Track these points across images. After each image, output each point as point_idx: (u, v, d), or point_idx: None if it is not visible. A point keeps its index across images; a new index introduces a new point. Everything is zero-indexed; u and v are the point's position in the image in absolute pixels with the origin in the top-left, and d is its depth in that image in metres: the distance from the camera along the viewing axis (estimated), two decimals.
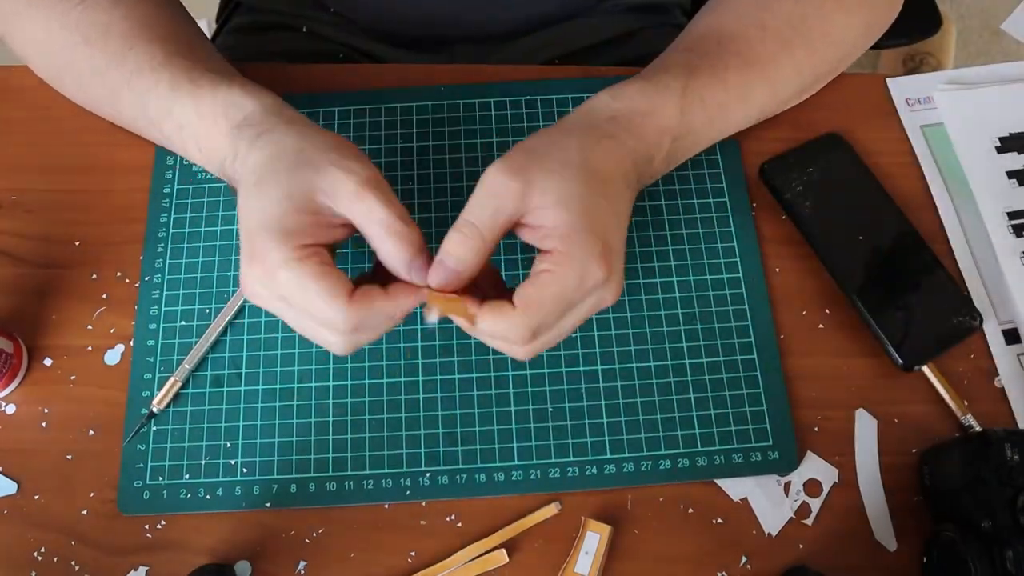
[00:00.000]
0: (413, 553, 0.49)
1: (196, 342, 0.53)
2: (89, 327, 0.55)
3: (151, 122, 0.51)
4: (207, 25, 1.52)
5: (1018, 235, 0.57)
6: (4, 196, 0.58)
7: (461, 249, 0.41)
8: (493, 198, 0.42)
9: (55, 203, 0.58)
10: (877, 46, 0.61)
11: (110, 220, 0.57)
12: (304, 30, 0.72)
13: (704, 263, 0.56)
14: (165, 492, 0.50)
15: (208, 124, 0.47)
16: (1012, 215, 0.57)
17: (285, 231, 0.40)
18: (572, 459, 0.51)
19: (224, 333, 0.54)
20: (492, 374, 0.53)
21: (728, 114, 0.53)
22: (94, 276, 0.56)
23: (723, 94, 0.51)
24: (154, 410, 0.52)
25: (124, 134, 0.59)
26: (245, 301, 0.55)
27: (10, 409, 0.53)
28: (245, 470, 0.51)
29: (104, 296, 0.55)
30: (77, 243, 0.57)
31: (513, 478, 0.51)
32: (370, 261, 0.46)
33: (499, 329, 0.42)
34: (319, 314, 0.41)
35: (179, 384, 0.52)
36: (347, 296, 0.40)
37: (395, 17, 0.69)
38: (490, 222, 0.42)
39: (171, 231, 0.57)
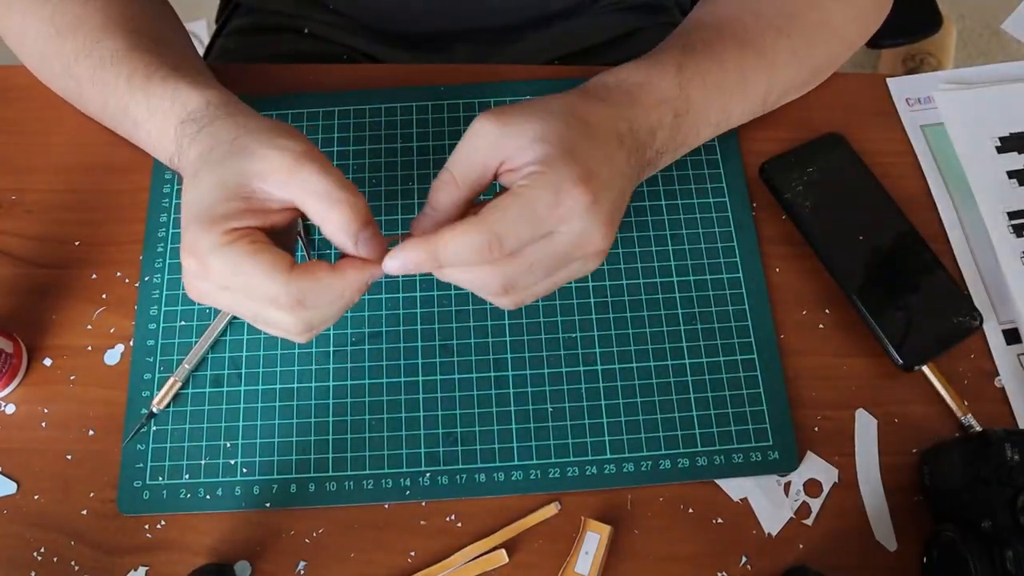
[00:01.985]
0: (413, 553, 0.49)
1: (196, 342, 0.53)
2: (89, 327, 0.55)
3: (112, 117, 0.51)
4: (207, 25, 1.53)
5: (1018, 235, 0.57)
6: (4, 196, 0.58)
7: (437, 195, 0.41)
8: (469, 139, 0.41)
9: (55, 203, 0.58)
10: (877, 45, 0.61)
11: (110, 220, 0.57)
12: (305, 31, 0.72)
13: (704, 263, 0.56)
14: (165, 492, 0.50)
15: (158, 120, 0.46)
16: (1012, 215, 0.57)
17: (212, 218, 0.39)
18: (572, 459, 0.51)
19: (224, 333, 0.54)
20: (492, 374, 0.53)
21: (729, 96, 0.51)
22: (94, 276, 0.56)
23: (721, 74, 0.50)
24: (154, 410, 0.52)
25: None
26: None
27: (10, 409, 0.53)
28: (245, 470, 0.51)
29: (104, 296, 0.55)
30: (77, 243, 0.57)
31: (513, 478, 0.51)
32: None
33: (458, 247, 0.39)
34: (259, 291, 0.38)
35: (179, 384, 0.52)
36: (287, 270, 0.38)
37: (395, 15, 0.69)
38: (465, 166, 0.41)
39: (171, 231, 0.57)
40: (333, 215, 0.39)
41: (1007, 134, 0.60)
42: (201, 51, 0.88)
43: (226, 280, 0.39)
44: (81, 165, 0.59)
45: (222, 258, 0.38)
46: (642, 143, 0.46)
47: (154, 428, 0.52)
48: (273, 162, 0.39)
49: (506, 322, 0.54)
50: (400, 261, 0.39)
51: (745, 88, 0.52)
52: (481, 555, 0.49)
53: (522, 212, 0.39)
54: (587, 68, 0.62)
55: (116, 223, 0.57)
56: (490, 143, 0.40)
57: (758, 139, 0.59)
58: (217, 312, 0.54)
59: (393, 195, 0.58)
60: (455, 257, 0.39)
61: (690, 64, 0.49)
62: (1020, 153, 0.59)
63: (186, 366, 0.53)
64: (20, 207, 0.58)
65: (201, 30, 1.52)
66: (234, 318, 0.54)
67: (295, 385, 0.53)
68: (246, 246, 0.38)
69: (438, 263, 0.39)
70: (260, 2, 0.74)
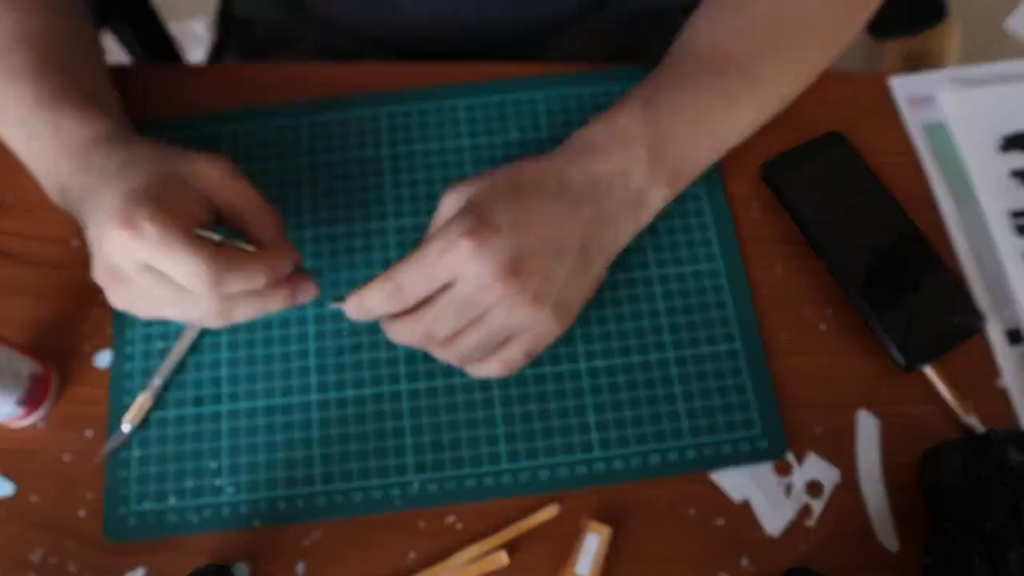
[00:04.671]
0: (413, 554, 0.49)
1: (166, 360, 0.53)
2: (88, 327, 0.54)
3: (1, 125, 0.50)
4: (207, 25, 1.52)
5: (1021, 235, 0.56)
6: (4, 196, 0.58)
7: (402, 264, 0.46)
8: (438, 209, 0.47)
9: (55, 203, 0.58)
10: (884, 34, 0.61)
11: None
12: (309, 40, 0.71)
13: (682, 254, 0.56)
14: (152, 517, 0.50)
15: (63, 137, 0.47)
16: (1015, 215, 0.57)
17: (152, 196, 0.41)
18: (560, 458, 0.51)
19: (193, 350, 0.53)
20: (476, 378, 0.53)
21: (715, 119, 0.52)
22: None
23: (696, 98, 0.51)
24: (124, 428, 0.51)
25: None
26: None
27: None
28: (232, 489, 0.50)
29: (102, 296, 0.55)
30: (77, 243, 0.57)
31: (502, 481, 0.51)
32: None
33: (372, 296, 0.45)
34: (183, 267, 0.41)
35: (151, 401, 0.52)
36: (212, 250, 0.41)
37: (392, 34, 0.68)
38: (431, 229, 0.48)
39: None
40: (269, 216, 0.46)
41: (1010, 133, 0.59)
42: (202, 50, 0.88)
43: (153, 251, 0.41)
44: None
45: (158, 226, 0.40)
46: (608, 187, 0.48)
47: (137, 453, 0.51)
48: (215, 167, 0.44)
49: None
50: (350, 310, 0.46)
51: (735, 108, 0.53)
52: (481, 556, 0.49)
53: (416, 260, 0.44)
54: (582, 65, 0.62)
55: None
56: (444, 210, 0.47)
57: (757, 138, 0.59)
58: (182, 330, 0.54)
59: (380, 201, 0.58)
60: (374, 305, 0.46)
61: (658, 98, 0.50)
62: (1023, 152, 0.59)
63: (157, 382, 0.52)
64: (20, 207, 0.58)
65: (201, 30, 1.51)
66: (212, 334, 0.54)
67: (278, 401, 0.52)
68: (180, 225, 0.41)
69: (368, 312, 0.46)
70: (259, 13, 0.74)
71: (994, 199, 0.57)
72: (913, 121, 0.61)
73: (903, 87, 0.62)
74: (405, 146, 0.59)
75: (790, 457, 0.52)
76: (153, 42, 0.85)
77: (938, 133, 0.60)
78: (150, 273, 0.42)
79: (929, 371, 0.52)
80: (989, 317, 0.54)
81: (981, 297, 0.55)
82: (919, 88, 0.62)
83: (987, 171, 0.58)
